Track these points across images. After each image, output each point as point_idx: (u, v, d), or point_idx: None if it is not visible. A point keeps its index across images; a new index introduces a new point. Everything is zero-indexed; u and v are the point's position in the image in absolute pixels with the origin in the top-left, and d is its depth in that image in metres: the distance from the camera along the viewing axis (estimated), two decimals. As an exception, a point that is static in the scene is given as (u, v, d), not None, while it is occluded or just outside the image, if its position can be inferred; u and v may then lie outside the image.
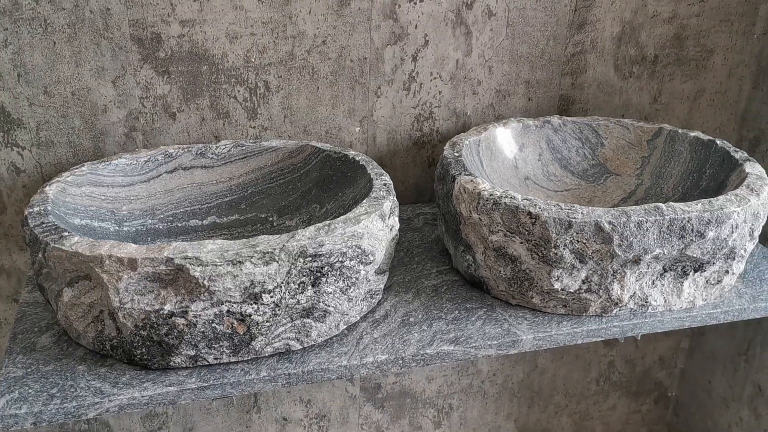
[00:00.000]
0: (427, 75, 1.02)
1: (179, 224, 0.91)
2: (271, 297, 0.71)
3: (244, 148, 0.95)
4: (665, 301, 0.85)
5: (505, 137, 1.02)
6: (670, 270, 0.83)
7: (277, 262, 0.70)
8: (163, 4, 0.89)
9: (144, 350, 0.72)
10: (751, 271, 0.94)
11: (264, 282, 0.70)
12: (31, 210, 0.76)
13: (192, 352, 0.72)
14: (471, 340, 0.80)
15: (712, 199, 0.81)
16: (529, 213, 0.79)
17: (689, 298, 0.86)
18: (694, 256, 0.81)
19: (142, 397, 0.71)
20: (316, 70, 0.98)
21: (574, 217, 0.78)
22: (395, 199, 0.83)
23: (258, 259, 0.69)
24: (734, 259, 0.85)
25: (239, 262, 0.69)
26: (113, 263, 0.68)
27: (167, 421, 1.15)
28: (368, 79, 1.00)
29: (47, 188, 0.81)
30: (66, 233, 0.71)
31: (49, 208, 0.77)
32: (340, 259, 0.74)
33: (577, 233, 0.78)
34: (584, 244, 0.79)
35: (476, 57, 1.03)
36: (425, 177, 1.09)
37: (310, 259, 0.72)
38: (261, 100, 0.97)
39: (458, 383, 1.27)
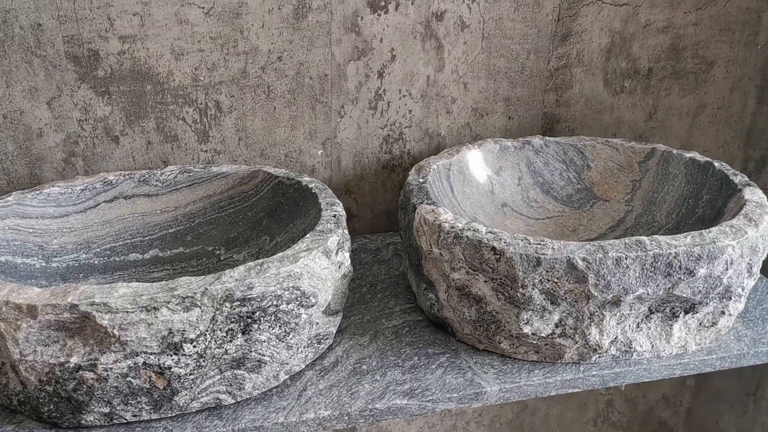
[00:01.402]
0: (396, 92, 0.94)
1: (117, 258, 0.83)
2: (194, 347, 0.63)
3: (191, 174, 0.87)
4: (652, 347, 0.75)
5: (479, 160, 0.93)
6: (657, 311, 0.74)
7: (200, 307, 0.62)
8: (100, 18, 0.82)
9: (52, 407, 0.64)
10: (753, 310, 0.84)
11: (184, 330, 0.62)
12: (-66, 248, 0.69)
13: (106, 410, 0.64)
14: (428, 392, 0.71)
15: (703, 231, 0.72)
16: (493, 248, 0.70)
17: (680, 343, 0.76)
18: (684, 296, 0.71)
19: (48, 461, 0.63)
20: (272, 88, 0.90)
21: (544, 253, 0.69)
22: (346, 232, 0.74)
23: (176, 304, 0.61)
24: (730, 298, 0.75)
25: (154, 308, 0.61)
26: (11, 310, 0.60)
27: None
28: (330, 97, 0.92)
29: (-39, 222, 0.74)
30: (-36, 275, 0.64)
31: (-43, 244, 0.69)
32: (275, 303, 0.65)
33: (547, 271, 0.69)
34: (555, 283, 0.69)
35: (449, 72, 0.94)
36: (396, 203, 1.00)
37: (238, 303, 0.63)
38: (212, 121, 0.90)
39: (441, 425, 1.18)
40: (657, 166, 0.93)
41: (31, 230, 0.79)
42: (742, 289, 0.75)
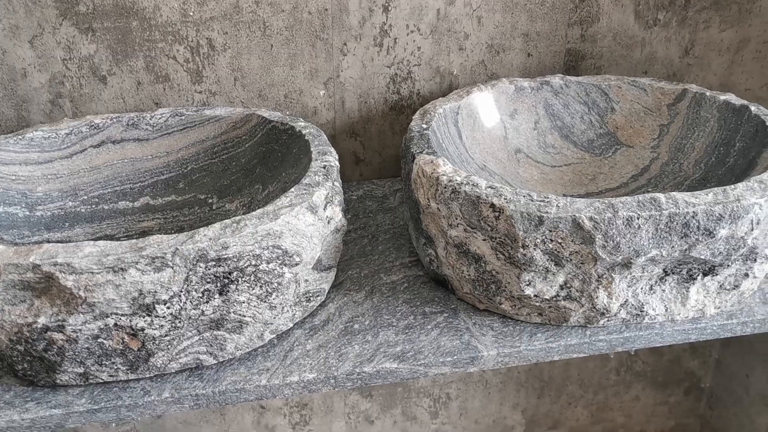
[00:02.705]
0: (403, 28, 0.87)
1: (106, 207, 0.80)
2: (168, 308, 0.60)
3: (183, 117, 0.82)
4: (666, 310, 0.69)
5: (492, 102, 0.86)
6: (673, 273, 0.68)
7: (171, 268, 0.58)
8: (80, -51, 0.76)
9: (26, 365, 0.62)
10: (784, 269, 0.77)
11: (156, 291, 0.59)
12: None
13: (80, 370, 0.62)
14: (421, 355, 0.66)
15: (727, 187, 0.65)
16: (492, 205, 0.64)
17: (697, 307, 0.70)
18: (702, 257, 0.65)
19: (23, 420, 0.61)
20: (267, 24, 0.83)
21: (547, 212, 0.63)
22: (337, 184, 0.69)
23: (146, 264, 0.58)
24: (755, 260, 0.68)
25: (122, 269, 0.57)
26: (-27, 269, 0.57)
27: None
28: (331, 34, 0.85)
29: (-63, 170, 0.71)
30: (-71, 230, 0.61)
31: (-71, 195, 0.67)
32: (254, 263, 0.61)
33: (551, 231, 0.63)
34: (560, 244, 0.64)
35: (461, 5, 0.87)
36: (405, 146, 0.94)
37: (213, 263, 0.59)
38: (205, 60, 0.84)
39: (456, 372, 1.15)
40: (688, 109, 0.85)
41: (13, 177, 0.76)
42: (771, 251, 0.68)
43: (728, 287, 0.70)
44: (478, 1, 0.87)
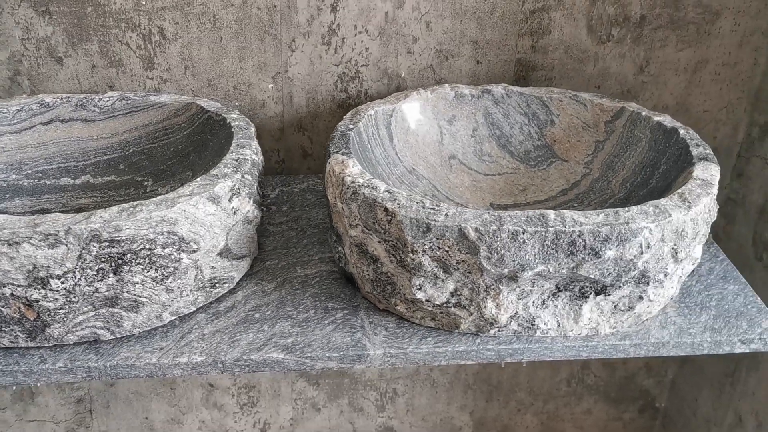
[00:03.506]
0: (351, 28, 0.88)
1: (48, 182, 0.84)
2: (62, 283, 0.63)
3: (129, 102, 0.86)
4: (559, 326, 0.70)
5: (430, 107, 0.87)
6: (565, 290, 0.68)
7: (65, 245, 0.62)
8: (37, -65, 0.80)
9: (-66, 325, 0.66)
10: (696, 295, 0.77)
11: (49, 266, 0.62)
12: None
13: (-18, 333, 0.66)
14: (309, 348, 0.69)
15: (620, 209, 0.65)
16: (386, 209, 0.66)
17: (591, 324, 0.70)
18: (591, 276, 0.66)
19: (-75, 375, 0.66)
20: (217, 17, 0.86)
21: (435, 219, 0.64)
22: (249, 177, 0.72)
23: (40, 240, 0.61)
24: (648, 284, 0.68)
25: (16, 242, 0.61)
26: None
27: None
28: (280, 30, 0.88)
29: None
30: None
31: None
32: (148, 246, 0.64)
33: (438, 239, 0.65)
34: (447, 252, 0.65)
35: (410, 9, 0.88)
36: (353, 144, 0.96)
37: (107, 244, 0.63)
38: (157, 48, 0.87)
39: (403, 368, 1.17)
40: (624, 127, 0.85)
41: (-39, 148, 0.81)
42: (665, 275, 0.68)
43: (623, 308, 0.70)
44: (427, 6, 0.88)
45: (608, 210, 0.65)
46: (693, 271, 0.79)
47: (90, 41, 0.86)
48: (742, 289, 0.78)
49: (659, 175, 0.78)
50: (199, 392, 1.15)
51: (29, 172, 0.84)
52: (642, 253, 0.65)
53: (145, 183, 0.85)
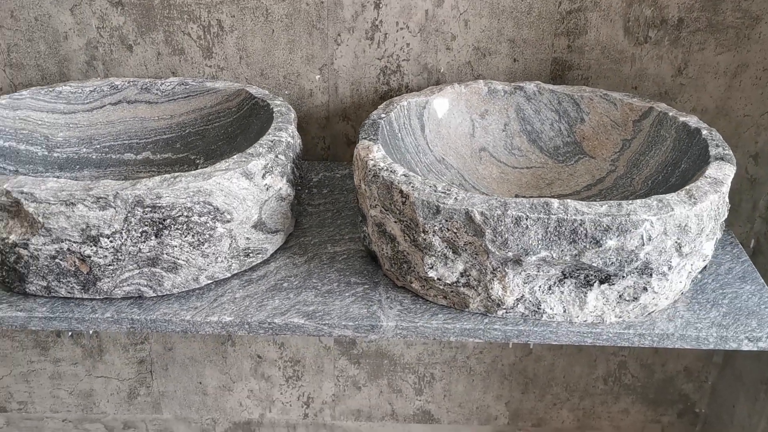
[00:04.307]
0: (393, 24, 0.94)
1: (113, 156, 0.94)
2: (111, 242, 0.72)
3: (188, 87, 0.94)
4: (565, 311, 0.74)
5: (462, 101, 0.91)
6: (571, 277, 0.72)
7: (114, 208, 0.70)
8: (114, -65, 0.89)
9: (4, 274, 0.76)
10: (711, 292, 0.78)
11: (100, 226, 0.71)
12: (-60, 129, 0.82)
13: (43, 283, 0.75)
14: (328, 317, 0.75)
15: (624, 201, 0.68)
16: (401, 191, 0.71)
17: (596, 312, 0.73)
18: (594, 265, 0.69)
19: (-5, 316, 0.75)
20: (270, 11, 0.94)
21: (444, 202, 0.69)
22: (283, 158, 0.78)
23: (92, 202, 0.70)
24: (651, 275, 0.71)
25: (72, 203, 0.69)
26: (-37, 189, 0.71)
27: (149, 337, 1.22)
28: (326, 24, 0.94)
29: (-26, 109, 0.86)
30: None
31: (-41, 128, 0.82)
32: (185, 214, 0.72)
33: (447, 221, 0.69)
34: (455, 233, 0.70)
35: (449, 8, 0.93)
36: (394, 135, 1.02)
37: (149, 209, 0.71)
38: (215, 39, 0.96)
39: (440, 354, 1.21)
40: (651, 127, 0.87)
41: (40, 122, 0.91)
42: (669, 268, 0.71)
43: (628, 298, 0.73)
44: (465, 5, 0.92)
45: (612, 201, 0.68)
46: (708, 268, 0.80)
47: (156, 31, 0.95)
48: (758, 289, 0.79)
49: (679, 174, 0.80)
50: (249, 363, 1.23)
51: (98, 146, 0.93)
52: (643, 245, 0.68)
53: (198, 161, 0.93)
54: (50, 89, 0.92)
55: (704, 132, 0.80)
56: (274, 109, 0.86)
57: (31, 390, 1.28)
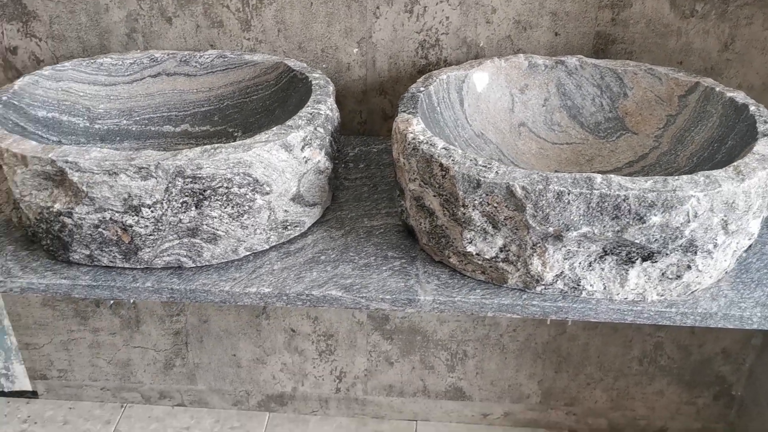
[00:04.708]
0: (433, -3, 0.93)
1: (153, 128, 0.94)
2: (152, 212, 0.72)
3: (226, 59, 0.94)
4: (605, 288, 0.73)
5: (502, 75, 0.90)
6: (612, 254, 0.71)
7: (155, 178, 0.71)
8: None
9: (49, 242, 0.77)
10: (755, 272, 0.77)
11: (141, 196, 0.71)
12: (-14, 99, 0.83)
13: (86, 252, 0.76)
14: (366, 290, 0.75)
15: (670, 177, 0.67)
16: (441, 164, 0.70)
17: (636, 290, 0.72)
18: (637, 242, 0.68)
19: (39, 284, 0.77)
20: (309, -17, 0.93)
21: (485, 176, 0.68)
22: (321, 130, 0.78)
23: (134, 172, 0.70)
24: (696, 253, 0.69)
25: (115, 173, 0.70)
26: (10, 157, 0.72)
27: (185, 309, 1.24)
28: (366, -3, 0.93)
29: (18, 80, 0.87)
30: (-11, 124, 0.77)
31: (4, 98, 0.83)
32: (225, 185, 0.72)
33: (487, 194, 0.69)
34: (495, 207, 0.69)
35: (490, -20, 0.91)
36: (431, 109, 1.01)
37: (190, 180, 0.71)
38: (254, 11, 0.95)
39: (473, 331, 1.21)
40: (697, 102, 0.85)
41: (81, 94, 0.92)
42: (714, 246, 0.69)
43: (671, 276, 0.72)
44: (507, -22, 0.91)
45: (657, 177, 0.67)
46: (753, 247, 0.79)
47: (195, 3, 0.95)
48: (805, 270, 0.77)
49: (725, 151, 0.78)
50: (282, 336, 1.24)
51: (138, 118, 0.94)
52: (689, 222, 0.66)
53: (236, 134, 0.93)
54: (92, 61, 0.93)
55: (752, 108, 0.78)
56: (313, 82, 0.86)
57: (71, 358, 1.31)
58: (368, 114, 1.02)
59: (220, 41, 0.98)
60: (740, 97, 0.81)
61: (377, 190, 0.91)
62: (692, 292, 0.74)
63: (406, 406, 1.30)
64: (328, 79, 0.87)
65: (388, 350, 1.24)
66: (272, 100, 0.92)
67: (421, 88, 0.84)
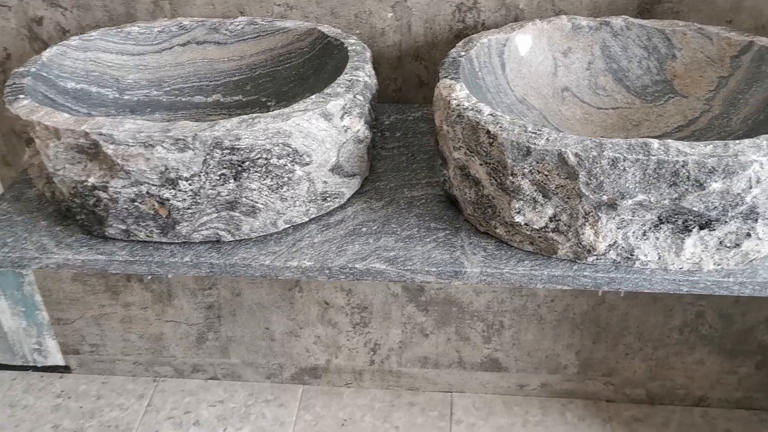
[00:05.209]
0: (471, -43, 0.89)
1: (183, 99, 0.92)
2: (189, 185, 0.70)
3: (257, 26, 0.91)
4: (659, 258, 0.70)
5: (544, 38, 0.87)
6: (668, 222, 0.68)
7: (192, 150, 0.68)
8: None
9: (83, 217, 0.75)
10: (815, 239, 0.74)
11: (179, 169, 0.69)
12: (15, 71, 0.81)
13: (123, 227, 0.74)
14: (410, 262, 0.73)
15: (730, 141, 0.64)
16: (488, 132, 0.68)
17: (693, 259, 0.70)
18: (696, 209, 0.65)
19: (75, 260, 0.75)
20: (342, -55, 0.90)
21: (535, 143, 0.65)
22: (360, 98, 0.75)
23: (170, 144, 0.68)
24: (757, 221, 0.66)
25: (151, 145, 0.68)
26: (42, 130, 0.71)
27: (217, 283, 1.22)
28: (401, -42, 0.90)
29: (46, 51, 0.85)
30: (21, 96, 0.75)
31: (33, 69, 0.81)
32: (264, 156, 0.70)
33: (537, 162, 0.66)
34: (546, 176, 0.66)
35: (531, -62, 0.87)
36: (468, 75, 0.98)
37: (228, 151, 0.69)
38: (285, -25, 0.92)
39: (510, 302, 1.19)
40: (750, 62, 0.81)
41: (110, 64, 0.89)
42: (776, 213, 0.66)
43: (729, 245, 0.69)
44: (549, -65, 0.87)
45: (717, 141, 0.64)
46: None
47: (225, -32, 0.92)
48: None
49: (784, 112, 0.75)
50: (316, 309, 1.23)
51: (168, 89, 0.92)
52: (751, 188, 0.63)
53: (269, 103, 0.90)
54: (119, 30, 0.90)
55: (813, 67, 0.74)
56: (349, 48, 0.83)
57: (103, 333, 1.30)
58: (403, 81, 0.99)
59: (250, 7, 0.95)
60: (799, 56, 0.77)
61: (416, 160, 0.88)
62: (750, 261, 0.71)
63: (441, 377, 1.29)
64: (365, 45, 0.84)
65: (423, 322, 1.23)
66: (306, 68, 0.89)
67: (462, 53, 0.81)
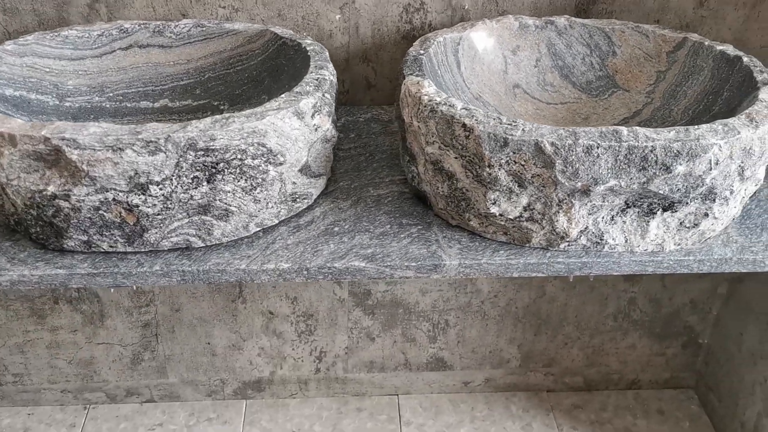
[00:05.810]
0: (418, -41, 0.91)
1: (128, 105, 0.88)
2: (160, 189, 0.67)
3: (204, 29, 0.89)
4: (626, 241, 0.73)
5: (495, 37, 0.89)
6: (634, 206, 0.71)
7: (164, 152, 0.66)
8: None
9: (38, 229, 0.71)
10: (757, 217, 0.80)
11: (149, 173, 0.66)
12: (-51, 77, 0.75)
13: (84, 237, 0.70)
14: (388, 258, 0.73)
15: (690, 126, 0.68)
16: (464, 125, 0.69)
17: (656, 241, 0.73)
18: (661, 192, 0.69)
19: (32, 276, 0.70)
20: (289, -54, 0.89)
21: (512, 134, 0.67)
22: (328, 96, 0.75)
23: (141, 147, 0.65)
24: (714, 201, 0.71)
25: (120, 149, 0.65)
26: (-5, 138, 0.66)
27: (154, 299, 1.17)
28: (349, -40, 0.90)
29: (-20, 56, 0.79)
30: (-36, 103, 0.70)
31: (-30, 76, 0.75)
32: (239, 157, 0.68)
33: (515, 153, 0.68)
34: (522, 166, 0.68)
35: (476, -59, 0.90)
36: (415, 76, 0.99)
37: (202, 153, 0.66)
38: (230, -23, 0.90)
39: (455, 300, 1.21)
40: (686, 57, 0.86)
41: (47, 70, 0.84)
42: (731, 193, 0.71)
43: (688, 225, 0.73)
44: (493, -62, 0.90)
45: (678, 127, 0.68)
46: (754, 194, 0.81)
47: (166, -30, 0.89)
48: (800, 213, 0.81)
49: (722, 102, 0.80)
50: (260, 320, 1.20)
51: (111, 95, 0.87)
52: (711, 170, 0.68)
53: (222, 107, 0.88)
54: (55, 34, 0.85)
55: (745, 59, 0.80)
56: (308, 48, 0.82)
57: (27, 361, 1.22)
58: (351, 83, 0.99)
59: (193, 10, 0.92)
60: (730, 49, 0.83)
61: (375, 159, 0.88)
62: (706, 240, 0.76)
63: (387, 380, 1.29)
64: (322, 45, 0.84)
65: (369, 326, 1.22)
66: (259, 70, 0.87)
67: (421, 51, 0.82)
